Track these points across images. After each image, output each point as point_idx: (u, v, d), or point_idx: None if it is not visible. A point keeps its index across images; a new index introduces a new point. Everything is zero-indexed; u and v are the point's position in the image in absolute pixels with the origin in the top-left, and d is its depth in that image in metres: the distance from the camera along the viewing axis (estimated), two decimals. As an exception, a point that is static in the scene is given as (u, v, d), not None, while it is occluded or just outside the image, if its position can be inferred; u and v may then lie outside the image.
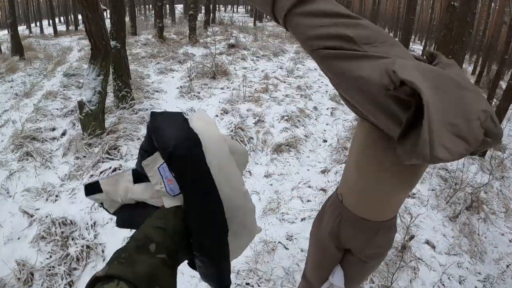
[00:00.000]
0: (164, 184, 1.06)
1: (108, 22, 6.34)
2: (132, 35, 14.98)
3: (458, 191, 5.40)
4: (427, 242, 4.30)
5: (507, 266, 4.22)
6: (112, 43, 5.88)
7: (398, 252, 3.84)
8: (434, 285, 3.63)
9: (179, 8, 28.75)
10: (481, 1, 33.01)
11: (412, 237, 4.04)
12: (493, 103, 9.40)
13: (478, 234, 4.78)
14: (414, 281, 3.59)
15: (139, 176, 1.17)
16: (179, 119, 1.09)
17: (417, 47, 29.81)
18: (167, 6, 29.27)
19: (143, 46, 12.23)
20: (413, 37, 42.55)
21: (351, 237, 1.89)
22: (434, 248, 4.25)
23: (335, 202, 1.93)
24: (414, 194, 5.29)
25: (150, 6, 39.20)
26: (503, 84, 14.40)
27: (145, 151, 1.09)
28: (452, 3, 8.24)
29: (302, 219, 4.13)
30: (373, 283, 3.44)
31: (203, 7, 22.19)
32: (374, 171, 1.63)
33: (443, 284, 3.72)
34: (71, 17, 32.08)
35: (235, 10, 51.48)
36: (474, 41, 30.63)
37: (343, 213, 1.86)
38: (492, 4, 23.63)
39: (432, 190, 5.57)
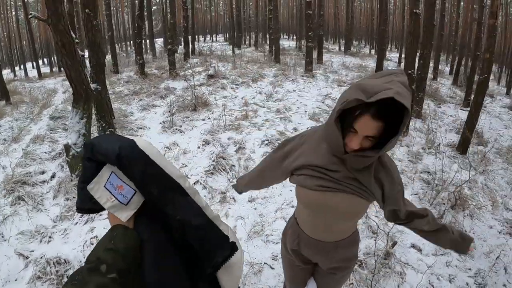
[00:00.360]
0: (115, 196, 1.25)
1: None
2: (115, 73, 15.24)
3: (441, 192, 5.57)
4: (413, 246, 4.43)
5: (497, 258, 4.35)
6: (93, 85, 6.06)
7: (382, 260, 3.95)
8: (422, 287, 3.74)
9: (159, 42, 29.18)
10: (450, 2, 33.99)
11: (394, 243, 4.18)
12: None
13: (466, 231, 4.92)
14: (402, 286, 3.71)
15: (83, 211, 1.37)
16: (113, 135, 1.34)
17: (393, 55, 30.28)
18: (147, 41, 29.66)
19: (125, 84, 12.43)
20: (389, 46, 43.46)
21: (311, 255, 1.98)
22: (420, 251, 4.37)
23: (293, 224, 2.05)
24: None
25: (131, 42, 39.50)
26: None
27: (85, 182, 1.29)
28: (415, 10, 8.64)
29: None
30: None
31: (182, 40, 22.59)
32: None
33: (432, 285, 3.84)
34: (54, 59, 32.25)
35: (214, 39, 51.88)
36: (448, 42, 31.41)
37: (300, 235, 1.97)
38: (462, 3, 24.31)
39: (415, 194, 5.77)
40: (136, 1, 25.45)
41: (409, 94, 1.38)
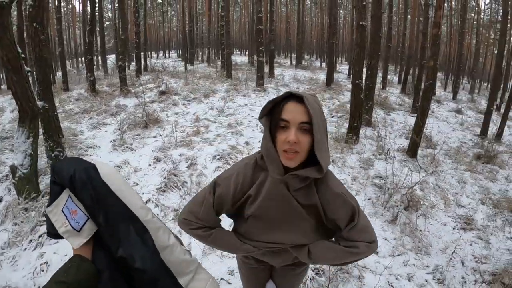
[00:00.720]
0: (69, 221, 1.20)
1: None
2: (65, 90, 14.73)
3: (394, 195, 5.77)
4: None
5: (453, 252, 4.58)
6: (40, 103, 5.79)
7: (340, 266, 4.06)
8: None
9: (111, 59, 28.74)
10: (398, 15, 35.26)
11: None
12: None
13: (420, 230, 5.16)
14: None
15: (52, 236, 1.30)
16: (77, 158, 1.31)
17: (344, 68, 31.16)
18: (99, 57, 29.15)
19: (75, 102, 12.12)
20: (339, 59, 44.51)
21: (266, 259, 1.93)
22: (377, 253, 4.49)
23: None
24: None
25: (83, 58, 38.68)
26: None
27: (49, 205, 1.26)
28: (361, 23, 8.92)
29: (241, 254, 4.31)
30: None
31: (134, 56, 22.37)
32: None
33: (391, 286, 3.97)
34: (2, 76, 31.21)
35: (167, 55, 51.57)
36: (396, 53, 32.51)
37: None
38: (409, 16, 25.31)
39: (368, 199, 5.94)
40: (88, 16, 25.18)
41: (320, 108, 1.48)
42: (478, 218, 5.94)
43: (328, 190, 1.60)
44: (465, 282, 4.22)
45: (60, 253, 4.07)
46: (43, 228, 4.41)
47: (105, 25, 27.80)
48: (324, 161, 1.48)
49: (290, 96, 1.46)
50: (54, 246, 4.21)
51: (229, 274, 3.97)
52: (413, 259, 4.53)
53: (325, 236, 1.75)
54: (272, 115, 1.52)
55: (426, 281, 4.13)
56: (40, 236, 4.32)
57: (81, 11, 32.40)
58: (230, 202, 1.67)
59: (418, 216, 5.60)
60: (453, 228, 5.52)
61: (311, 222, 1.65)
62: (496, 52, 15.72)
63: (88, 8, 27.72)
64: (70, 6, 40.11)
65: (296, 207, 1.60)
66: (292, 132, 1.43)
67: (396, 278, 4.12)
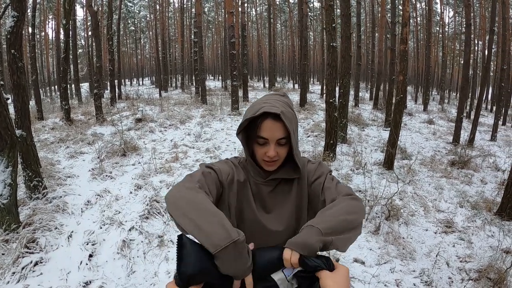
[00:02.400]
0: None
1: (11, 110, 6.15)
2: (39, 119, 14.42)
3: (374, 206, 5.89)
4: (356, 260, 4.64)
5: (437, 255, 4.67)
6: (18, 132, 5.73)
7: None
8: None
9: (84, 87, 28.59)
10: (366, 34, 36.11)
11: (337, 260, 4.34)
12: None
13: (403, 238, 5.26)
14: None
15: None
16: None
17: (316, 88, 31.78)
18: (73, 86, 28.88)
19: (51, 131, 11.96)
20: (312, 79, 45.20)
21: None
22: (363, 263, 4.59)
23: None
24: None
25: (56, 86, 38.22)
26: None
27: None
28: (332, 44, 9.15)
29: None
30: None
31: (109, 84, 22.26)
32: None
33: None
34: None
35: (140, 82, 51.53)
36: (366, 70, 33.21)
37: None
38: (376, 34, 25.96)
39: None
40: (61, 44, 24.90)
41: (292, 113, 1.51)
42: (458, 220, 6.07)
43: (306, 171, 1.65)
44: (452, 282, 4.30)
45: (45, 285, 3.97)
46: (26, 260, 4.30)
47: (78, 52, 27.56)
48: (301, 162, 1.57)
49: (266, 116, 1.45)
50: (38, 278, 4.10)
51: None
52: (399, 265, 4.61)
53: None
54: (249, 130, 1.54)
55: (414, 285, 4.20)
56: (23, 268, 4.19)
57: (53, 38, 32.24)
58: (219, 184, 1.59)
59: (400, 224, 5.71)
60: (435, 233, 5.62)
61: (292, 212, 1.64)
62: (462, 62, 16.24)
63: (62, 36, 27.72)
64: (43, 33, 39.56)
65: (281, 202, 1.63)
66: (272, 148, 1.46)
67: (385, 285, 4.18)
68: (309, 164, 1.66)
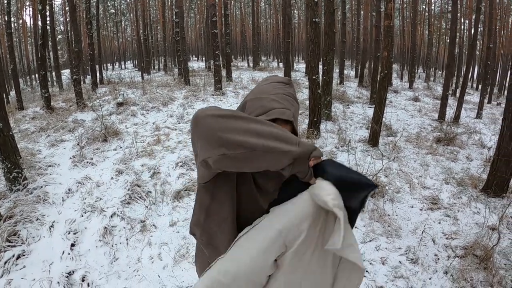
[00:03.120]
0: None
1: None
2: (19, 109, 14.06)
3: (359, 184, 5.90)
4: None
5: (422, 232, 4.70)
6: None
7: None
8: None
9: (66, 74, 28.04)
10: (351, 11, 36.01)
11: None
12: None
13: (388, 215, 5.26)
14: None
15: None
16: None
17: (301, 66, 31.74)
18: (53, 73, 28.38)
19: (31, 120, 11.68)
20: (296, 58, 45.09)
21: None
22: None
23: None
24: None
25: (36, 75, 37.57)
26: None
27: None
28: (314, 19, 8.99)
29: (213, 258, 4.28)
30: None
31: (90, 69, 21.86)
32: None
33: (367, 271, 4.03)
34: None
35: (123, 66, 50.83)
36: (351, 47, 33.17)
37: None
38: (362, 12, 25.89)
39: None
40: (39, 30, 24.33)
41: (297, 104, 1.50)
42: (443, 197, 6.09)
43: None
44: (438, 259, 4.31)
45: (28, 278, 3.92)
46: (9, 253, 4.23)
47: (57, 39, 26.97)
48: None
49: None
50: (21, 271, 4.04)
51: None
52: (385, 243, 4.61)
53: None
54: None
55: (400, 263, 4.20)
56: (5, 263, 4.13)
57: (31, 25, 31.49)
58: None
59: (385, 201, 5.72)
60: (421, 210, 5.64)
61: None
62: (448, 40, 16.27)
63: (39, 22, 27.11)
64: (21, 21, 38.61)
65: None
66: None
67: (370, 263, 4.18)
68: None
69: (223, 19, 24.02)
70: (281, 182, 1.46)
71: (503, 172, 5.93)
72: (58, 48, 28.25)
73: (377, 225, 5.01)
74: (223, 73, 18.28)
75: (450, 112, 13.26)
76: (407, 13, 35.48)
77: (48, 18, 15.13)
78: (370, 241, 4.64)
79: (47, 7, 14.49)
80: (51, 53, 25.78)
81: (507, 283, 3.76)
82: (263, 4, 51.58)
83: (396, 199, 5.86)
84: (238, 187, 1.48)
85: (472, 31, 16.77)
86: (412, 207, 5.71)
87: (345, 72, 23.03)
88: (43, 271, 4.00)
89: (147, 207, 5.49)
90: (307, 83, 10.72)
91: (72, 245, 4.48)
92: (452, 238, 4.78)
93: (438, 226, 5.13)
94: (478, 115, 15.36)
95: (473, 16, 18.18)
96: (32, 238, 4.59)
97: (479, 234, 4.61)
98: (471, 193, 6.15)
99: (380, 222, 5.07)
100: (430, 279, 3.95)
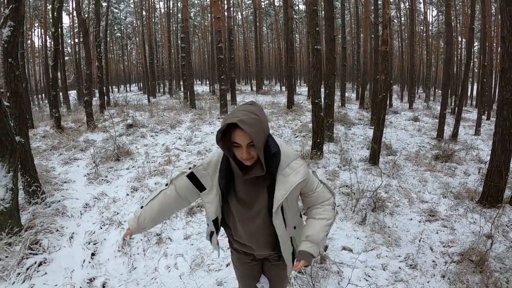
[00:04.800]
0: None
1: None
2: (30, 128, 14.51)
3: (360, 199, 6.17)
4: (344, 248, 4.92)
5: (419, 240, 5.02)
6: (17, 138, 5.70)
7: (318, 264, 4.34)
8: (360, 279, 4.20)
9: (72, 94, 28.42)
10: (351, 35, 36.52)
11: (326, 247, 4.64)
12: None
13: (388, 227, 5.55)
14: (342, 282, 4.11)
15: None
16: None
17: (303, 89, 32.11)
18: (61, 94, 28.78)
19: (42, 139, 12.01)
20: (298, 81, 45.47)
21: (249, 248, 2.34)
22: (351, 251, 4.86)
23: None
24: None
25: (43, 95, 37.94)
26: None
27: None
28: (316, 47, 9.37)
29: (227, 265, 4.49)
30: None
31: (96, 91, 22.25)
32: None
33: (369, 276, 4.30)
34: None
35: (128, 89, 51.33)
36: (352, 71, 33.57)
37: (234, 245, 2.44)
38: (361, 35, 26.35)
39: (337, 206, 6.23)
40: (49, 52, 24.65)
41: (255, 118, 1.81)
42: (441, 209, 6.38)
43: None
44: (436, 264, 4.58)
45: (50, 283, 4.12)
46: (31, 260, 4.42)
47: (65, 60, 27.40)
48: (274, 160, 1.98)
49: (235, 126, 1.80)
50: (43, 277, 4.23)
51: (218, 285, 4.16)
52: (385, 251, 4.88)
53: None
54: (226, 136, 1.88)
55: (400, 268, 4.47)
56: (27, 269, 4.31)
57: (39, 46, 31.93)
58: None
59: (385, 215, 5.99)
60: (419, 221, 5.91)
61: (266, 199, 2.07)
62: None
63: (48, 43, 27.56)
64: (29, 41, 39.16)
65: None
66: (244, 151, 1.84)
67: (372, 269, 4.44)
68: (294, 163, 2.06)
69: (226, 43, 24.51)
70: None
71: (497, 182, 6.24)
72: (66, 69, 28.65)
73: (378, 236, 5.27)
74: (228, 96, 18.69)
75: (448, 130, 13.59)
76: (406, 34, 36.02)
77: (59, 40, 15.48)
78: (372, 250, 4.90)
79: (59, 30, 14.87)
80: (59, 74, 26.23)
81: (502, 284, 4.00)
82: (265, 29, 52.28)
83: (396, 212, 6.14)
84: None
85: (465, 51, 17.17)
86: (411, 219, 5.98)
87: (346, 94, 23.39)
88: (64, 277, 4.21)
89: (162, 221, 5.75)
90: (309, 107, 11.01)
91: (92, 254, 4.73)
92: (449, 246, 5.04)
93: (436, 235, 5.40)
94: (477, 132, 15.67)
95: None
96: (53, 247, 4.80)
97: (475, 242, 4.85)
98: (468, 205, 6.42)
99: (381, 234, 5.34)
100: (428, 282, 4.19)
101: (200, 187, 2.11)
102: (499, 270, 4.34)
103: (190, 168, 2.14)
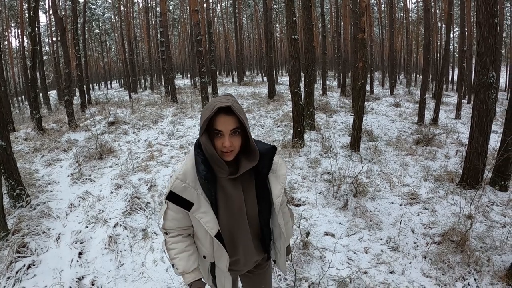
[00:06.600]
0: None
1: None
2: (10, 131, 14.28)
3: (342, 185, 6.27)
4: (326, 234, 5.03)
5: (400, 222, 5.16)
6: None
7: (301, 250, 4.43)
8: (342, 263, 4.30)
9: (52, 94, 28.07)
10: (332, 23, 36.64)
11: (307, 234, 4.70)
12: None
13: (370, 211, 5.70)
14: (325, 266, 4.19)
15: None
16: None
17: (285, 79, 32.10)
18: (41, 94, 28.42)
19: (24, 142, 11.92)
20: (280, 71, 45.55)
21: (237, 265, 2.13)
22: (333, 236, 4.98)
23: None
24: (303, 202, 6.07)
25: (23, 97, 37.41)
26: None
27: None
28: (293, 36, 9.51)
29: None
30: (286, 279, 3.98)
31: (77, 90, 22.00)
32: None
33: (351, 259, 4.42)
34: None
35: (109, 86, 50.85)
36: (333, 59, 33.74)
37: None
38: (342, 23, 26.45)
39: (319, 193, 6.39)
40: (27, 52, 24.22)
41: (242, 109, 1.78)
42: (422, 192, 6.54)
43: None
44: (417, 246, 4.72)
45: (40, 285, 4.15)
46: (19, 264, 4.44)
47: (43, 59, 26.97)
48: (257, 149, 1.87)
49: (219, 109, 1.73)
50: (32, 279, 4.25)
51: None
52: (367, 235, 5.01)
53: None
54: (208, 126, 1.76)
55: (382, 251, 4.60)
56: (17, 272, 4.33)
57: (17, 47, 31.37)
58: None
59: (367, 200, 6.14)
60: (400, 205, 6.06)
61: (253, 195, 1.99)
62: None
63: (26, 44, 27.08)
64: (6, 42, 38.42)
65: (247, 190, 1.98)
66: (226, 139, 1.73)
67: (354, 253, 4.56)
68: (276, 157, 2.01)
69: (206, 36, 24.42)
70: None
71: (476, 164, 6.40)
72: (44, 69, 28.27)
73: (360, 221, 5.40)
74: (209, 89, 18.70)
75: (429, 115, 13.80)
76: (386, 21, 36.23)
77: (37, 40, 15.25)
78: (354, 234, 5.03)
79: (36, 29, 14.65)
80: (38, 74, 25.90)
81: (483, 263, 4.14)
82: (245, 20, 52.12)
83: (377, 197, 6.29)
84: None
85: (445, 37, 17.38)
86: (392, 203, 6.13)
87: (328, 82, 23.48)
88: (54, 278, 4.24)
89: (147, 216, 5.79)
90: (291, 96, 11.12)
91: (80, 253, 4.75)
92: (430, 227, 5.19)
93: (417, 218, 5.55)
94: (457, 116, 15.97)
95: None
96: (41, 249, 4.81)
97: (455, 222, 4.98)
98: (448, 187, 6.60)
99: (362, 218, 5.48)
100: (410, 263, 4.32)
101: (187, 205, 1.82)
102: (480, 249, 4.48)
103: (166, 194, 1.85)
